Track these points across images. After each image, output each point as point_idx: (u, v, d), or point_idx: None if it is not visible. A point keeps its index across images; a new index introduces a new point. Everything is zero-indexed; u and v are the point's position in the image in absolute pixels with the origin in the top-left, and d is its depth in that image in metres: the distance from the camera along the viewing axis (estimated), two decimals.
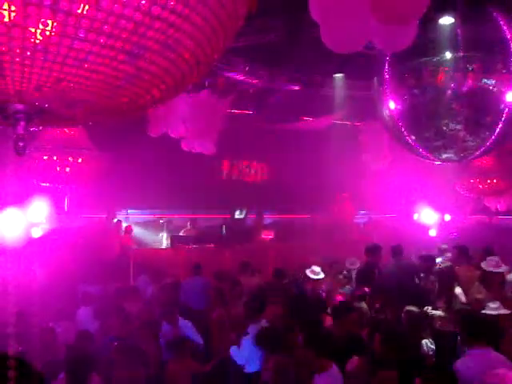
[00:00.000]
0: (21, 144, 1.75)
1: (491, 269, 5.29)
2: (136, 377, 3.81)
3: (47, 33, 1.39)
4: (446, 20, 5.30)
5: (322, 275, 6.16)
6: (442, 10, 5.32)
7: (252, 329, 4.48)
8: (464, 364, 3.15)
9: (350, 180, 11.16)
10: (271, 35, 7.23)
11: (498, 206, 11.27)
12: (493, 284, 5.18)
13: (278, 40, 7.23)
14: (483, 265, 5.44)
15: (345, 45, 3.65)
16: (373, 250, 6.26)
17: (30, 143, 7.19)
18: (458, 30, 5.26)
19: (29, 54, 1.43)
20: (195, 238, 9.49)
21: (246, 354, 4.39)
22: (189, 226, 10.30)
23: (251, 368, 4.35)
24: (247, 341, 4.40)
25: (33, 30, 1.38)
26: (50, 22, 1.37)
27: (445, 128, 5.30)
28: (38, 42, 1.40)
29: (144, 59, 1.61)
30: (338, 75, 9.10)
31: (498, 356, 3.21)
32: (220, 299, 5.71)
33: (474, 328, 3.35)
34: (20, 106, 1.70)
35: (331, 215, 11.42)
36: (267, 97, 10.19)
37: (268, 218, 12.06)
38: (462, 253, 6.24)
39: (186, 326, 5.19)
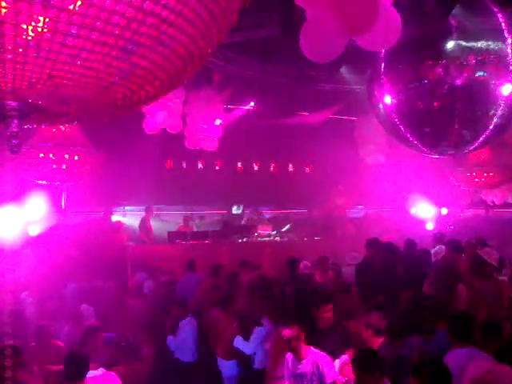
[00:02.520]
0: (15, 142, 1.74)
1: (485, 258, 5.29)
2: (133, 374, 3.82)
3: (39, 29, 1.38)
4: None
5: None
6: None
7: (266, 321, 4.46)
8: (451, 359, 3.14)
9: (346, 174, 11.17)
10: (266, 30, 7.20)
11: (495, 199, 11.31)
12: (483, 273, 5.15)
13: (273, 34, 7.19)
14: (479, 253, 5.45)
15: (321, 55, 3.63)
16: (370, 245, 6.19)
17: (26, 141, 7.17)
18: (454, 23, 5.24)
19: (21, 50, 1.42)
20: (192, 233, 9.47)
21: (254, 345, 4.38)
22: (182, 223, 10.14)
23: (258, 362, 4.35)
24: (259, 332, 4.39)
25: (24, 26, 1.37)
26: (41, 18, 1.36)
27: (440, 121, 5.28)
28: (29, 38, 1.39)
29: (137, 55, 1.61)
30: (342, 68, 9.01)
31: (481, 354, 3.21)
32: (217, 297, 5.60)
33: (460, 328, 3.35)
34: (13, 104, 1.69)
35: (326, 209, 11.40)
36: (262, 92, 10.15)
37: (266, 213, 12.05)
38: (455, 247, 6.19)
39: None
